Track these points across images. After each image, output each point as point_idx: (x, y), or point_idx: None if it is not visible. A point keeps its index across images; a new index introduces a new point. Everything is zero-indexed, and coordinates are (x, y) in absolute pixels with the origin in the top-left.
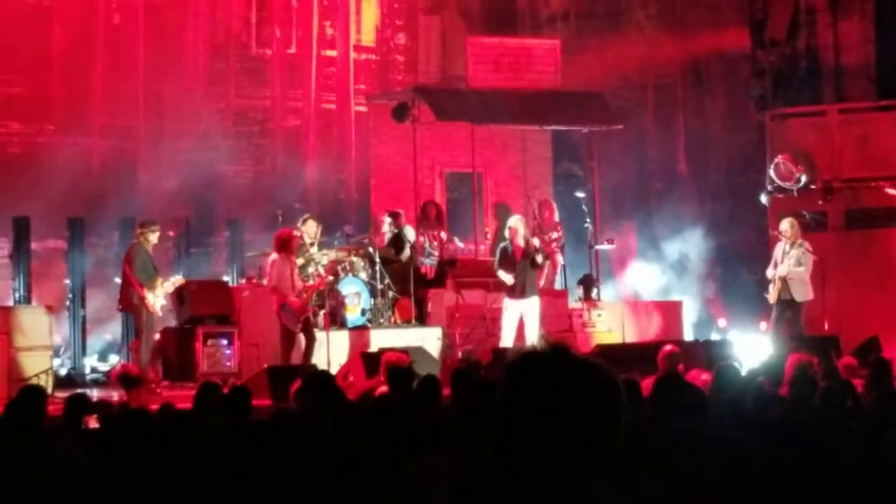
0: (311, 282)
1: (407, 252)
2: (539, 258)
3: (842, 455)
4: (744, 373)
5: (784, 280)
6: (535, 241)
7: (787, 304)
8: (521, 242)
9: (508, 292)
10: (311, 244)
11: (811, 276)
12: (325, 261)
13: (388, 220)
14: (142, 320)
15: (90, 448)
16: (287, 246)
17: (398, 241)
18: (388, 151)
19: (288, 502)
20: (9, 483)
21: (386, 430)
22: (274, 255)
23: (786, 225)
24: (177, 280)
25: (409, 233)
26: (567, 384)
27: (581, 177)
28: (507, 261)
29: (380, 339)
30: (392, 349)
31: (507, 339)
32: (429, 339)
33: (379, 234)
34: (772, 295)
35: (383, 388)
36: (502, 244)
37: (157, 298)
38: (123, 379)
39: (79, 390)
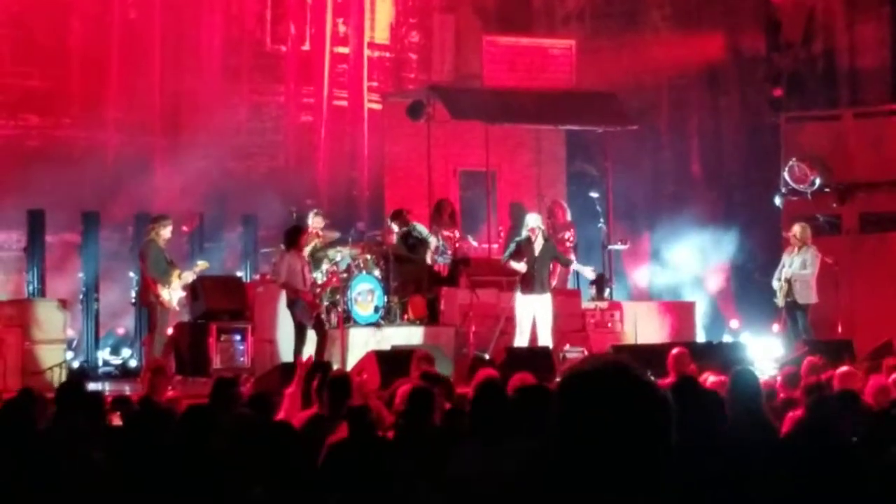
0: (324, 278)
1: (427, 251)
2: (572, 258)
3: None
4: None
5: (789, 282)
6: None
7: (792, 305)
8: (541, 240)
9: (522, 287)
10: (324, 241)
11: (817, 280)
12: (338, 257)
13: (391, 222)
14: (156, 316)
15: (112, 444)
16: (296, 241)
17: (409, 238)
18: (402, 149)
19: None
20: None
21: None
22: (283, 251)
23: (797, 228)
24: (201, 265)
25: (421, 230)
26: (622, 406)
27: (595, 177)
28: (520, 255)
29: (393, 337)
30: (407, 347)
31: (522, 338)
32: (442, 338)
33: (392, 233)
34: (779, 299)
35: (405, 388)
36: (518, 238)
37: (174, 293)
38: (157, 370)
39: (91, 385)
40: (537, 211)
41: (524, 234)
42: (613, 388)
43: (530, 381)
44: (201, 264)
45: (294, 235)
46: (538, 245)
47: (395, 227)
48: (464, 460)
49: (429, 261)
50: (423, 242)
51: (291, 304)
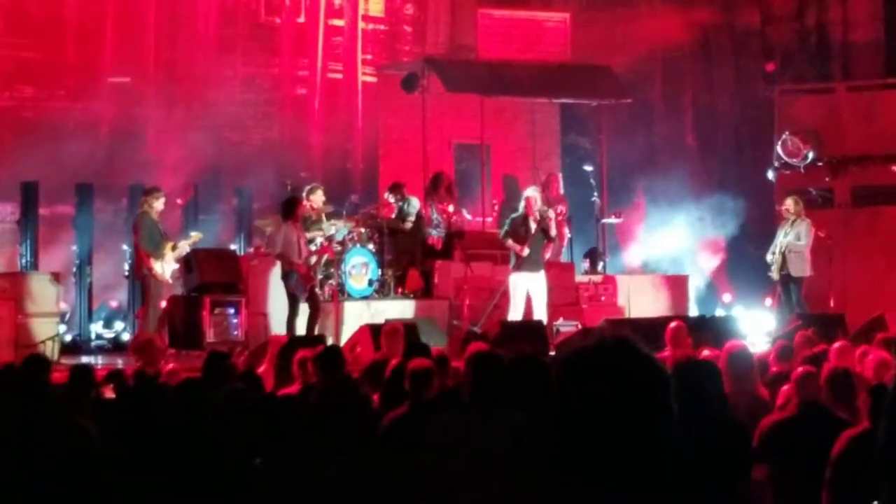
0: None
1: (410, 223)
2: (552, 230)
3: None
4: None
5: (784, 255)
6: (550, 213)
7: (786, 278)
8: (537, 215)
9: (516, 265)
10: (320, 215)
11: (811, 253)
12: (332, 230)
13: (389, 194)
14: (150, 289)
15: (105, 418)
16: (293, 213)
17: (403, 212)
18: (397, 122)
19: (301, 475)
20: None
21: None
22: (280, 222)
23: (790, 202)
24: (195, 236)
25: (414, 203)
26: (623, 380)
27: (588, 150)
28: (518, 231)
29: (387, 311)
30: (395, 321)
31: (515, 313)
32: (436, 311)
33: (387, 206)
34: (774, 271)
35: (394, 362)
36: (514, 214)
37: (167, 266)
38: (139, 348)
39: (84, 359)
40: (533, 184)
41: (521, 209)
42: (614, 362)
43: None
44: (195, 235)
45: (291, 207)
46: (533, 223)
47: (391, 200)
48: (448, 429)
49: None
50: (417, 217)
51: (286, 276)
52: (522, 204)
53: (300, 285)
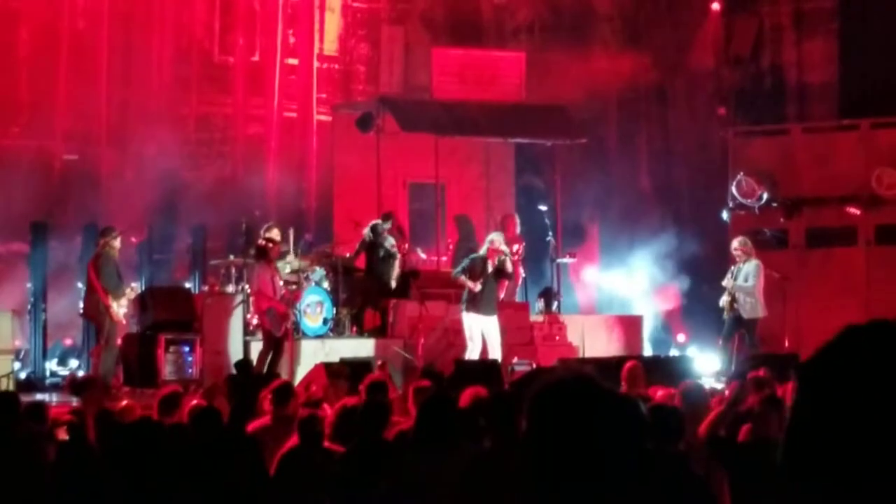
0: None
1: (392, 268)
2: (509, 268)
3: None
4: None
5: (733, 296)
6: (507, 258)
7: (738, 320)
8: (496, 261)
9: (469, 305)
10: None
11: (764, 294)
12: (287, 269)
13: (384, 222)
14: (104, 328)
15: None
16: (265, 255)
17: (379, 248)
18: (352, 161)
19: None
20: None
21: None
22: (254, 263)
23: (736, 243)
24: (134, 288)
25: (391, 240)
26: (595, 419)
27: (543, 190)
28: (475, 270)
29: (342, 349)
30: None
31: (473, 352)
32: (391, 350)
33: (343, 244)
34: (725, 313)
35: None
36: (475, 255)
37: (121, 308)
38: (74, 386)
39: (38, 396)
40: (484, 225)
41: (483, 251)
42: (582, 400)
43: (482, 394)
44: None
45: (262, 249)
46: (490, 266)
47: (366, 232)
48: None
49: (392, 282)
50: (390, 257)
51: (263, 314)
52: (486, 248)
53: (277, 322)
